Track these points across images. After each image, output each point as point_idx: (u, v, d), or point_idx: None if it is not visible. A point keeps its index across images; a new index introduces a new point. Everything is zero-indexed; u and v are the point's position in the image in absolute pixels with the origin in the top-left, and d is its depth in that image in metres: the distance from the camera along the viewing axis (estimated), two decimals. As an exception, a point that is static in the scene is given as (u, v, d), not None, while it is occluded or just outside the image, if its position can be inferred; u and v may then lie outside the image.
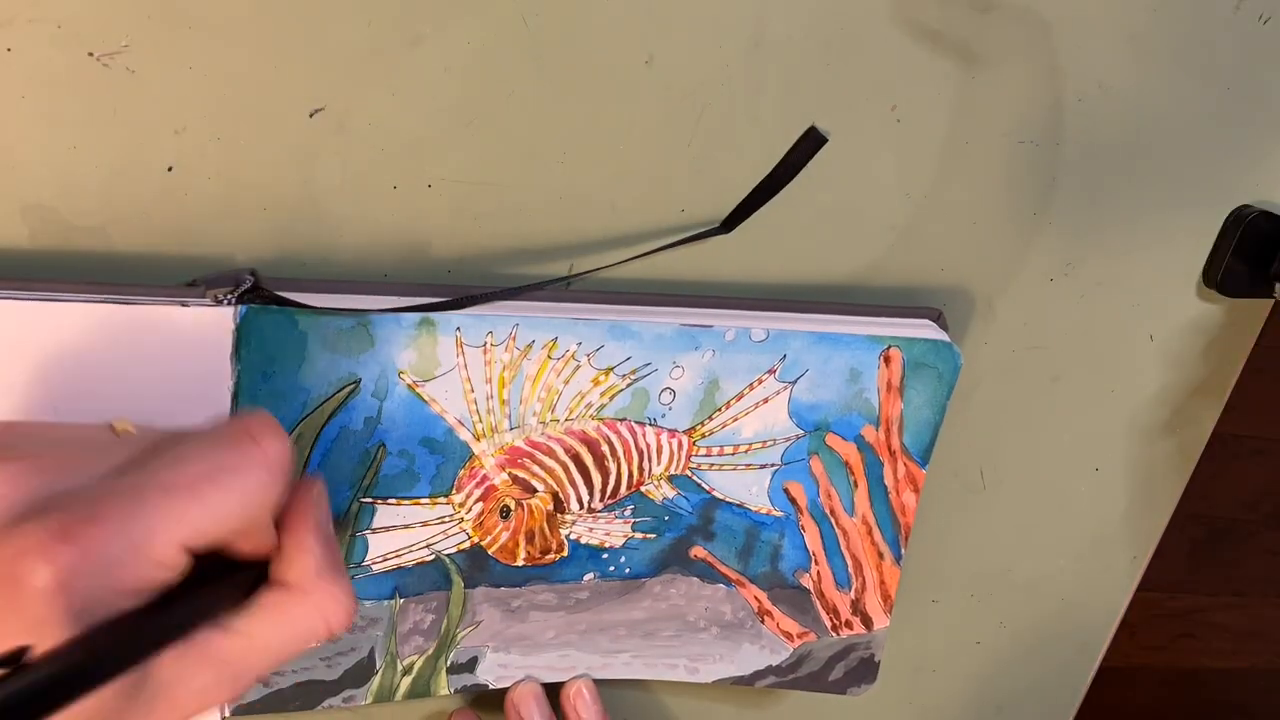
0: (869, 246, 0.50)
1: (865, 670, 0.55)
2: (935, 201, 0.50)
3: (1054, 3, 0.48)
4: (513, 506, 0.47)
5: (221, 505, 0.31)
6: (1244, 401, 0.63)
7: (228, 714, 0.46)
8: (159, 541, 0.30)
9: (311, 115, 0.41)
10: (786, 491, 0.50)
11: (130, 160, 0.40)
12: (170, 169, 0.41)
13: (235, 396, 0.41)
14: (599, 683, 0.52)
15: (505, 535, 0.47)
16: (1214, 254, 0.55)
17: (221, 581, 0.32)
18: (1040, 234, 0.52)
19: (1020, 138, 0.50)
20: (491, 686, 0.50)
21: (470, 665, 0.49)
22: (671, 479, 0.48)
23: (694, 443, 0.48)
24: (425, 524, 0.46)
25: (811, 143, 0.45)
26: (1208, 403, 0.60)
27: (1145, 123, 0.52)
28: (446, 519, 0.46)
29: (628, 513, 0.49)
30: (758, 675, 0.54)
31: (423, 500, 0.45)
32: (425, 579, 0.47)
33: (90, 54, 0.38)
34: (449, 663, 0.49)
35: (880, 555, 0.53)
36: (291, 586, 0.34)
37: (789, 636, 0.53)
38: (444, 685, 0.49)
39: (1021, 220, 0.52)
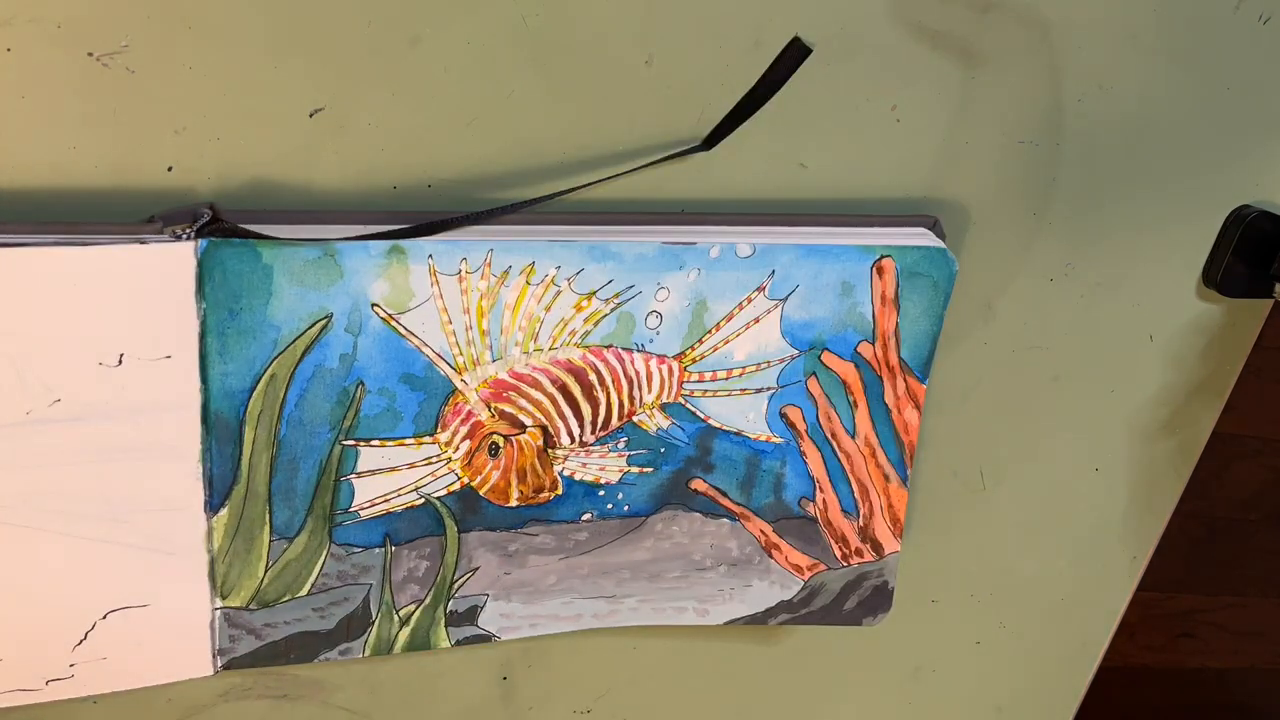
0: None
1: (879, 599, 0.53)
2: (935, 202, 0.50)
3: (1054, 3, 0.48)
4: (501, 443, 0.45)
5: None
6: (1244, 401, 0.63)
7: (219, 666, 0.45)
8: None
9: (311, 115, 0.41)
10: (785, 416, 0.48)
11: (130, 160, 0.40)
12: (170, 169, 0.41)
13: (202, 336, 0.40)
14: (604, 631, 0.49)
15: (496, 474, 0.46)
16: (1214, 254, 0.55)
17: None
18: (1040, 234, 0.52)
19: (1020, 138, 0.50)
20: (497, 638, 0.48)
21: (471, 615, 0.48)
22: (665, 407, 0.47)
23: (685, 368, 0.46)
24: (412, 466, 0.44)
25: (795, 55, 0.43)
26: (1208, 403, 0.60)
27: (1145, 123, 0.52)
28: (434, 459, 0.44)
29: (621, 445, 0.47)
30: (770, 613, 0.52)
31: (407, 440, 0.44)
32: (417, 524, 0.45)
33: (90, 54, 0.38)
34: (448, 612, 0.47)
35: (886, 478, 0.51)
36: None
37: (799, 570, 0.51)
38: (444, 637, 0.48)
39: (1021, 220, 0.52)
